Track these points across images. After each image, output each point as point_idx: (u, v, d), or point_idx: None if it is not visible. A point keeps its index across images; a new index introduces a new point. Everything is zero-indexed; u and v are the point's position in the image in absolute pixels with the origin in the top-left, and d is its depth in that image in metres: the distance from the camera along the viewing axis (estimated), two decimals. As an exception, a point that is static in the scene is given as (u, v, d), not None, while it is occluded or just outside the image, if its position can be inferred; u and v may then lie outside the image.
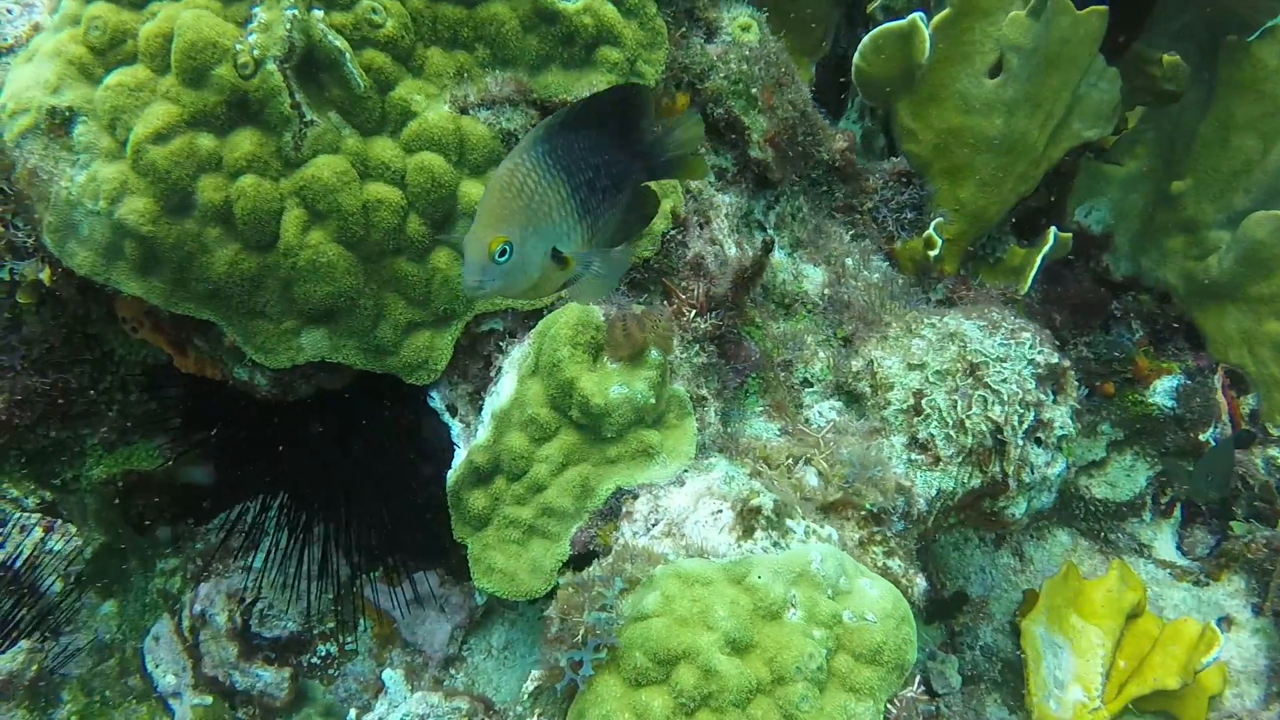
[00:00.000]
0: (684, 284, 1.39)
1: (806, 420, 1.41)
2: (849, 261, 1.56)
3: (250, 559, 1.62)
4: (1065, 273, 1.76)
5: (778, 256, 1.54)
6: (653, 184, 1.03)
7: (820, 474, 1.26)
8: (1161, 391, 1.73)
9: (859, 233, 1.61)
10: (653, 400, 1.25)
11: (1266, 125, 1.55)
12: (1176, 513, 1.80)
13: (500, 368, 1.35)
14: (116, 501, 1.54)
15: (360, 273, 1.25)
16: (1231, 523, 1.78)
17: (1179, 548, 1.81)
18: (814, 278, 1.54)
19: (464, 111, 1.29)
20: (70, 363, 1.38)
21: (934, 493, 1.31)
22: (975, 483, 1.33)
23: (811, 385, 1.45)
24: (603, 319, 1.28)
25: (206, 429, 1.47)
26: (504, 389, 1.31)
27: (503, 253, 0.86)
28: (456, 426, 1.36)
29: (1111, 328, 1.77)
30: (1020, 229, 1.70)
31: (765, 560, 1.11)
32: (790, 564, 1.10)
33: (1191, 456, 1.73)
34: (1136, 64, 1.63)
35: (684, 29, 1.44)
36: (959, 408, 1.32)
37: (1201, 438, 1.72)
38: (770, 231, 1.55)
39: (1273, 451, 2.10)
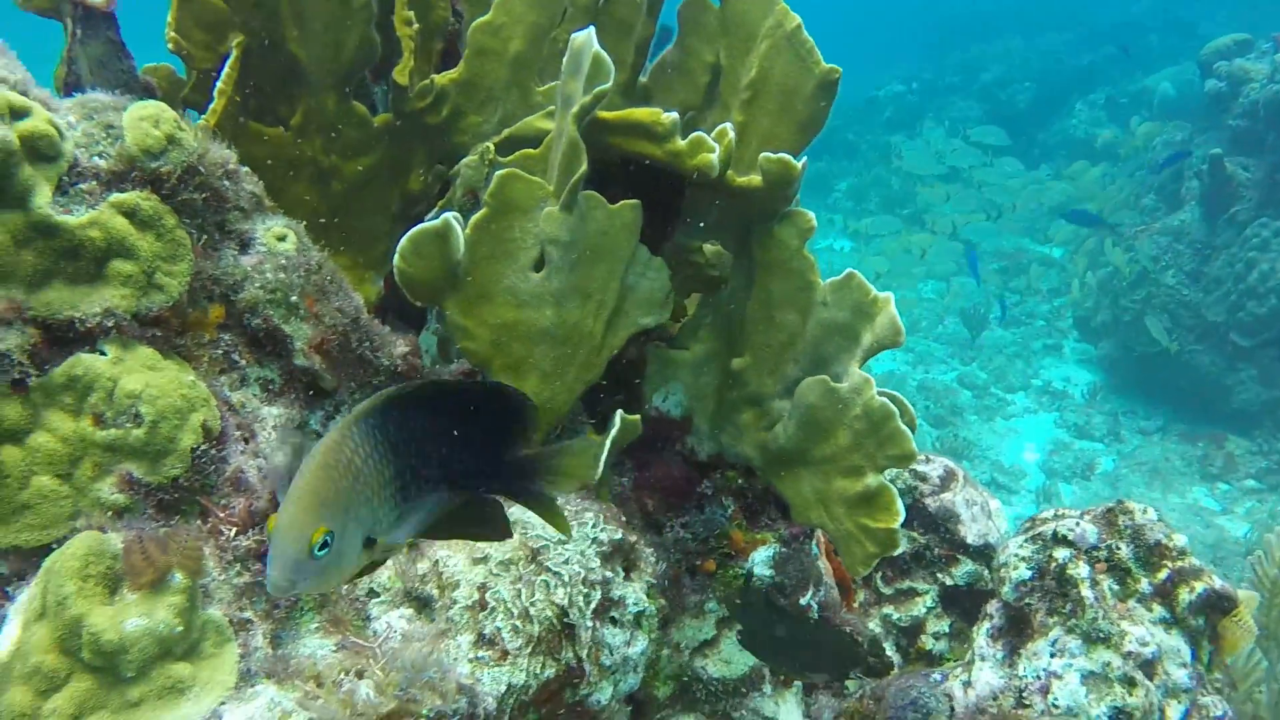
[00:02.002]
0: (223, 501, 1.29)
1: (374, 632, 1.31)
2: (419, 464, 1.51)
3: None
4: (653, 458, 1.79)
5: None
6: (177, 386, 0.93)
7: (376, 685, 1.16)
8: (760, 562, 1.75)
9: (431, 436, 1.57)
10: (180, 629, 1.13)
11: (800, 299, 1.66)
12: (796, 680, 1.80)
13: (5, 616, 1.18)
14: None
15: None
16: (847, 681, 1.80)
17: (807, 715, 1.80)
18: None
19: (-58, 334, 1.18)
20: None
21: (503, 689, 1.23)
22: (550, 673, 1.26)
23: (378, 595, 1.36)
24: (120, 546, 1.16)
25: None
26: (4, 639, 1.14)
27: (324, 545, 0.75)
28: (-52, 693, 1.17)
29: (705, 506, 1.80)
30: (603, 421, 1.72)
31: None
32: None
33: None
34: (681, 253, 1.73)
35: (212, 240, 1.40)
36: (523, 596, 1.27)
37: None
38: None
39: (887, 610, 2.18)
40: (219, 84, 1.60)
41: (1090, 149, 9.67)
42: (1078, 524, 1.61)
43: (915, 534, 2.24)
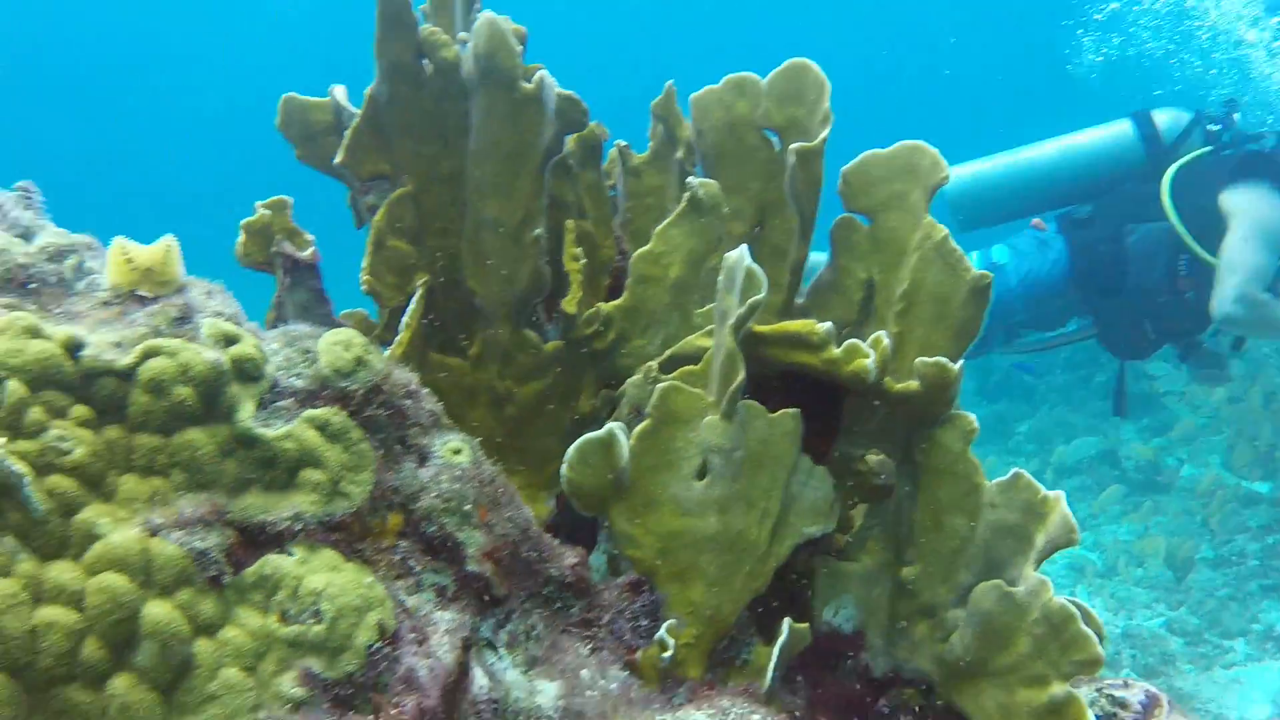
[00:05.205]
0: (395, 699, 1.32)
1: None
2: (585, 673, 1.52)
3: None
4: (826, 676, 1.74)
5: (510, 677, 1.50)
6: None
7: None
8: (941, 788, 1.66)
9: (597, 646, 1.58)
10: (346, 822, 1.15)
11: (967, 503, 1.64)
12: None
13: (186, 808, 1.22)
14: None
15: (23, 703, 1.17)
16: None
17: None
18: (548, 692, 1.49)
19: (155, 533, 1.28)
20: None
21: None
22: None
23: (544, 801, 1.35)
24: (294, 738, 1.20)
25: None
26: (184, 829, 1.18)
27: None
28: None
29: (881, 728, 1.72)
30: (773, 634, 1.70)
31: None
32: None
33: None
34: (845, 464, 1.74)
35: (393, 453, 1.50)
36: (686, 797, 1.24)
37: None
38: (501, 650, 1.52)
39: None
40: (405, 319, 1.76)
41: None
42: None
43: (1119, 769, 2.07)
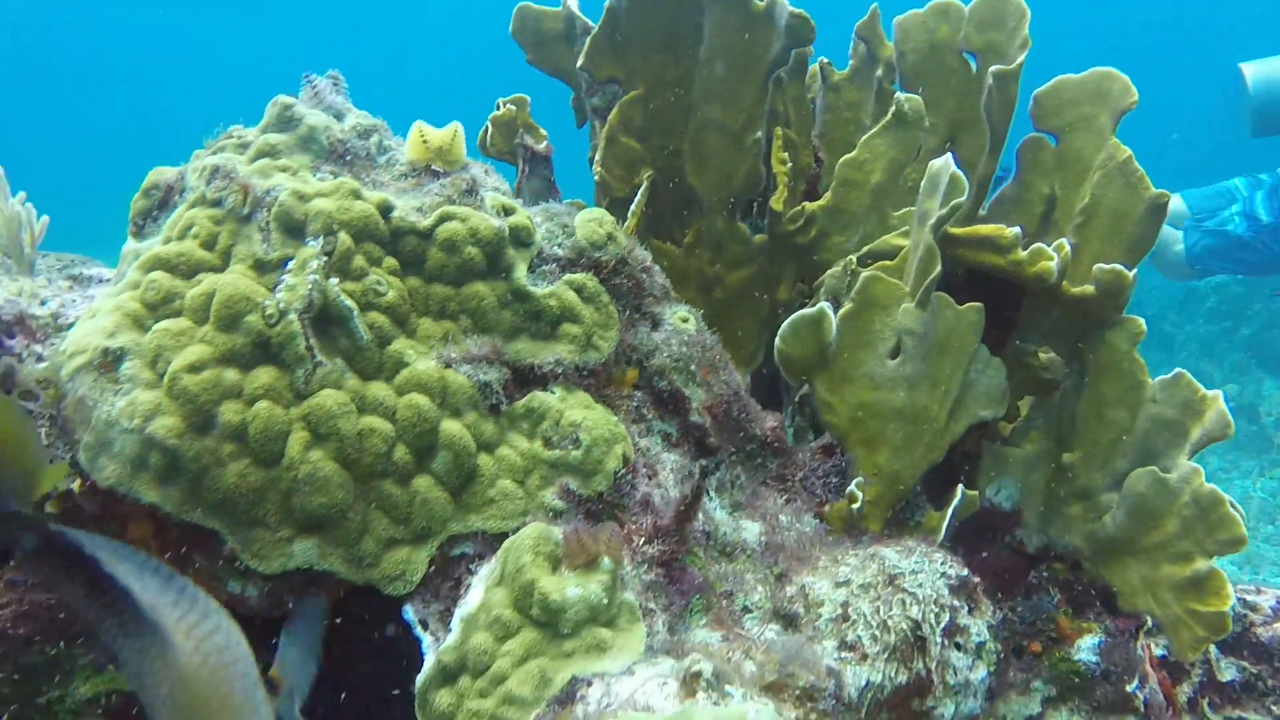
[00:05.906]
0: (634, 517, 1.58)
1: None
2: (783, 518, 1.76)
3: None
4: (984, 546, 1.95)
5: (719, 515, 1.75)
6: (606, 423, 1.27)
7: (758, 664, 1.39)
8: (1085, 649, 1.86)
9: (791, 498, 1.82)
10: (605, 601, 1.41)
11: (1130, 398, 1.82)
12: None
13: (469, 584, 1.51)
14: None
15: (351, 489, 1.46)
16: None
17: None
18: (752, 530, 1.74)
19: (448, 366, 1.56)
20: (80, 590, 1.53)
21: (863, 683, 1.43)
22: (902, 679, 1.45)
23: (751, 611, 1.60)
24: (561, 534, 1.47)
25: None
26: (472, 598, 1.46)
27: None
28: (428, 639, 1.49)
29: (1032, 594, 1.93)
30: (941, 503, 1.91)
31: (705, 711, 1.22)
32: (728, 717, 1.22)
33: (1119, 710, 1.83)
34: (1018, 358, 1.93)
35: (632, 318, 1.75)
36: (881, 611, 1.48)
37: (1128, 689, 1.83)
38: (711, 493, 1.77)
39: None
40: (633, 207, 1.99)
41: None
42: None
43: (1246, 664, 2.25)
